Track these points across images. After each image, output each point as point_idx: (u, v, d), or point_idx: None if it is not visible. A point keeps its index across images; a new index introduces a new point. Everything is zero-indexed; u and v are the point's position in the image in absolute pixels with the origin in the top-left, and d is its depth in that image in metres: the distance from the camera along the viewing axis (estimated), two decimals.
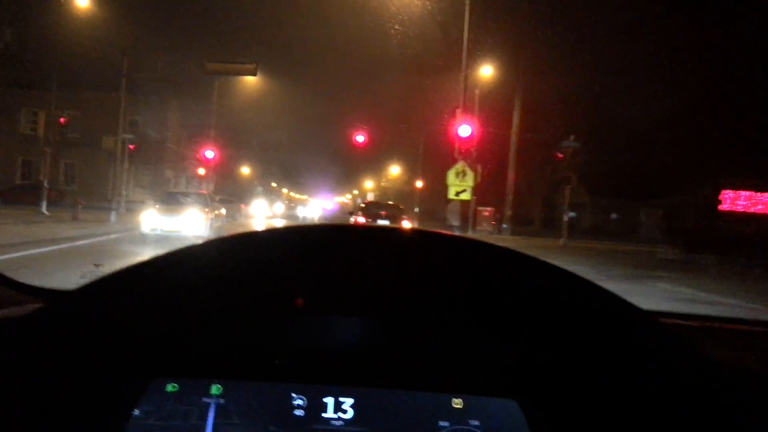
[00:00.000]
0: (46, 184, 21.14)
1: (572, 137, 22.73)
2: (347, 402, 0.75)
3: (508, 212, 30.87)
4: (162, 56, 20.07)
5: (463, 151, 17.20)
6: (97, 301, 0.58)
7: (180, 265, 0.60)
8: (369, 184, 62.22)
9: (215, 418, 0.73)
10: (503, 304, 0.67)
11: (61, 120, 19.53)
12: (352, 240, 0.65)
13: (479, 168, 18.21)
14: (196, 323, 0.69)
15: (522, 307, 0.66)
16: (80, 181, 33.36)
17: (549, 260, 0.62)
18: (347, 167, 75.45)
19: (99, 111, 31.83)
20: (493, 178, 32.00)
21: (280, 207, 40.80)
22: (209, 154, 32.16)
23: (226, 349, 0.75)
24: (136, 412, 0.72)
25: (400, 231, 0.67)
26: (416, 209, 33.13)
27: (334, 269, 0.65)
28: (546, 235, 31.33)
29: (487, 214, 30.86)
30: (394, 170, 45.23)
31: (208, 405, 0.74)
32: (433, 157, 38.84)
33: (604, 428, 0.66)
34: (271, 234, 0.65)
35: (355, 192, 78.52)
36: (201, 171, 33.46)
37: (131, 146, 29.79)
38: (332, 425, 0.75)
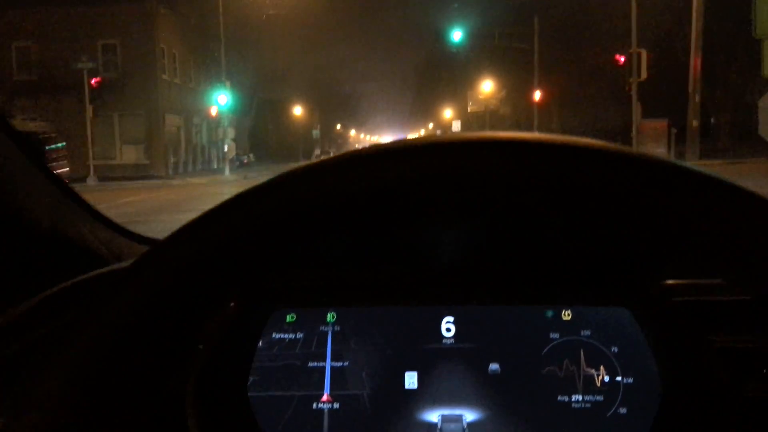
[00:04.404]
0: None
1: None
2: (457, 319, 0.80)
3: (694, 122, 18.95)
4: None
5: None
6: (208, 239, 0.55)
7: (283, 191, 0.56)
8: (448, 113, 51.40)
9: (333, 344, 0.81)
10: (615, 211, 0.61)
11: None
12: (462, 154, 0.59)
13: None
14: (308, 251, 0.64)
15: (631, 212, 0.60)
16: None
17: None
18: (421, 97, 64.53)
19: (59, 37, 21.90)
20: (659, 69, 19.99)
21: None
22: (222, 99, 21.75)
23: (337, 277, 0.80)
24: (260, 344, 0.80)
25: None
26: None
27: (443, 185, 0.59)
28: (743, 155, 19.22)
29: (657, 127, 19.00)
30: (486, 86, 33.44)
31: (326, 333, 0.81)
32: (554, 54, 26.73)
33: (721, 329, 0.66)
34: (376, 151, 0.60)
35: (431, 126, 68.87)
36: (213, 111, 23.06)
37: (94, 81, 19.54)
38: (444, 343, 0.80)
